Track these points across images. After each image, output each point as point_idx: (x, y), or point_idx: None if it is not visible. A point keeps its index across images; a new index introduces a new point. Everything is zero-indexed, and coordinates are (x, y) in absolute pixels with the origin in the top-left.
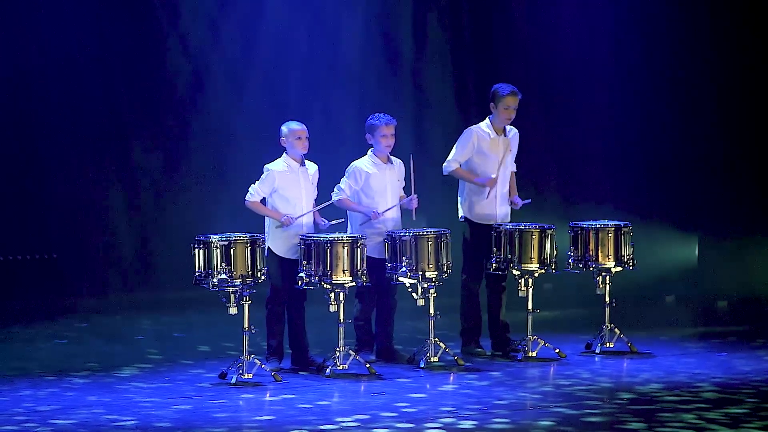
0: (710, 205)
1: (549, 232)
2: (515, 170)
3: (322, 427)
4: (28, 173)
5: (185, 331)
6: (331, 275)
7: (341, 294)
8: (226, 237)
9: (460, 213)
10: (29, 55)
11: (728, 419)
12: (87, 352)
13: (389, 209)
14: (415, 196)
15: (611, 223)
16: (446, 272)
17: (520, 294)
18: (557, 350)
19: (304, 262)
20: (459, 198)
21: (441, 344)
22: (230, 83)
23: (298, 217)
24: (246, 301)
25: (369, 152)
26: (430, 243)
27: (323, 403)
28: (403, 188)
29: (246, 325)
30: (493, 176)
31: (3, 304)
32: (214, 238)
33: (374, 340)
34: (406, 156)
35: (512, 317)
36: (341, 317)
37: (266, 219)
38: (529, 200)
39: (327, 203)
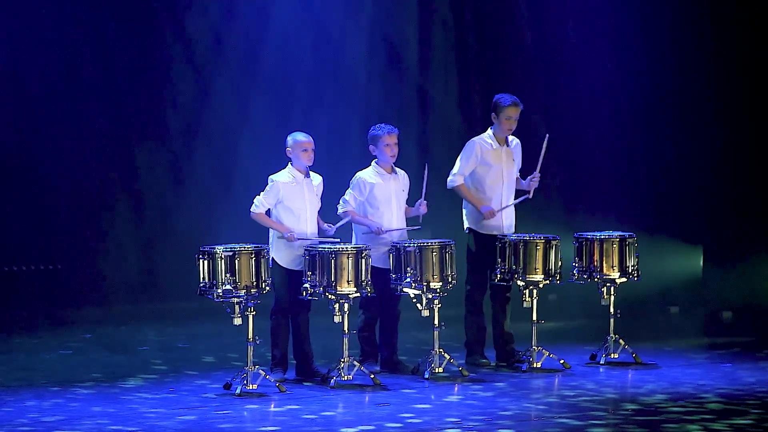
0: (715, 216)
1: (553, 242)
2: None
3: None
4: (32, 183)
5: (190, 342)
6: (335, 286)
7: (346, 305)
8: (231, 248)
9: (465, 224)
10: (34, 69)
11: (733, 430)
12: (91, 363)
13: (395, 230)
14: (425, 201)
15: (616, 233)
16: (451, 283)
17: (525, 305)
18: (562, 361)
19: (309, 273)
20: (464, 210)
21: (445, 355)
22: (235, 94)
23: (301, 238)
24: (250, 311)
25: (373, 163)
26: (434, 254)
27: (328, 413)
28: (407, 200)
29: (250, 335)
30: (495, 210)
31: (7, 314)
32: (219, 248)
33: (378, 350)
34: (410, 165)
35: (517, 328)
36: (346, 328)
37: (270, 230)
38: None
39: (329, 234)
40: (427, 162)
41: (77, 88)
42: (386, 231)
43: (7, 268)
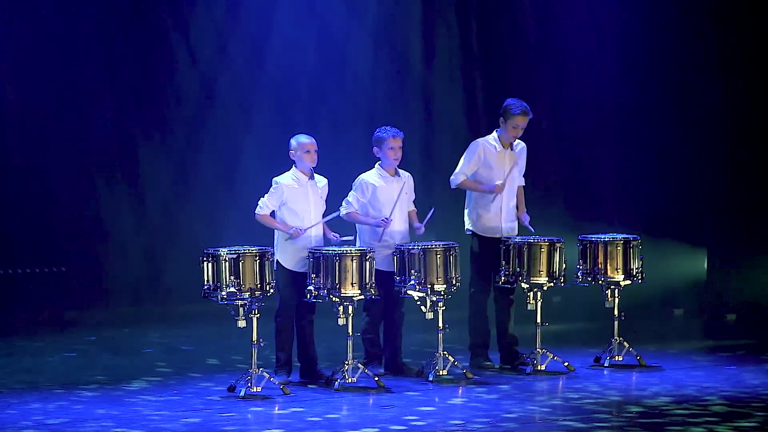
0: (719, 218)
1: (558, 245)
2: (523, 184)
3: None
4: (36, 186)
5: (194, 344)
6: (339, 288)
7: (350, 307)
8: (235, 250)
9: (467, 225)
10: (38, 70)
11: None
12: (95, 365)
13: (392, 209)
14: (423, 228)
15: (620, 236)
16: (455, 285)
17: (529, 307)
18: (566, 363)
19: (313, 275)
20: (465, 210)
21: (450, 357)
22: (239, 96)
23: (307, 228)
24: (254, 314)
25: (376, 165)
26: (438, 256)
27: (332, 416)
28: (414, 200)
29: (255, 338)
30: (499, 182)
31: (11, 316)
32: (223, 251)
33: (382, 353)
34: (414, 169)
35: (521, 330)
36: (350, 330)
37: (275, 232)
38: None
39: (335, 214)
40: (433, 207)
41: (81, 91)
42: (390, 215)
43: (11, 270)
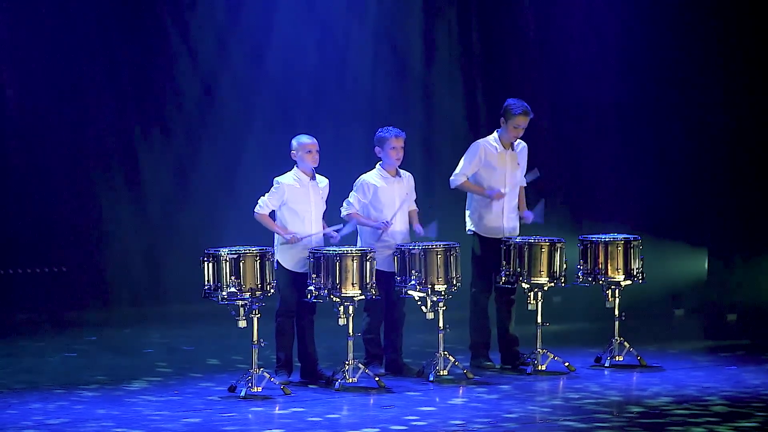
0: (719, 218)
1: (558, 245)
2: (524, 184)
3: None
4: (37, 186)
5: (194, 345)
6: (340, 288)
7: (350, 307)
8: (235, 250)
9: (468, 226)
10: (38, 70)
11: None
12: (96, 365)
13: (394, 214)
14: (423, 230)
15: (621, 236)
16: (455, 285)
17: (530, 307)
18: (566, 364)
19: (314, 276)
20: (467, 211)
21: (450, 357)
22: (239, 97)
23: (304, 237)
24: (255, 314)
25: (377, 165)
26: (439, 256)
27: (333, 416)
28: (415, 199)
29: (255, 338)
30: (502, 190)
31: (12, 316)
32: (224, 251)
33: (383, 353)
34: (415, 169)
35: (521, 331)
36: (350, 330)
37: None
38: (542, 201)
39: (337, 228)
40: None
41: (81, 91)
42: (391, 219)
43: (11, 270)
